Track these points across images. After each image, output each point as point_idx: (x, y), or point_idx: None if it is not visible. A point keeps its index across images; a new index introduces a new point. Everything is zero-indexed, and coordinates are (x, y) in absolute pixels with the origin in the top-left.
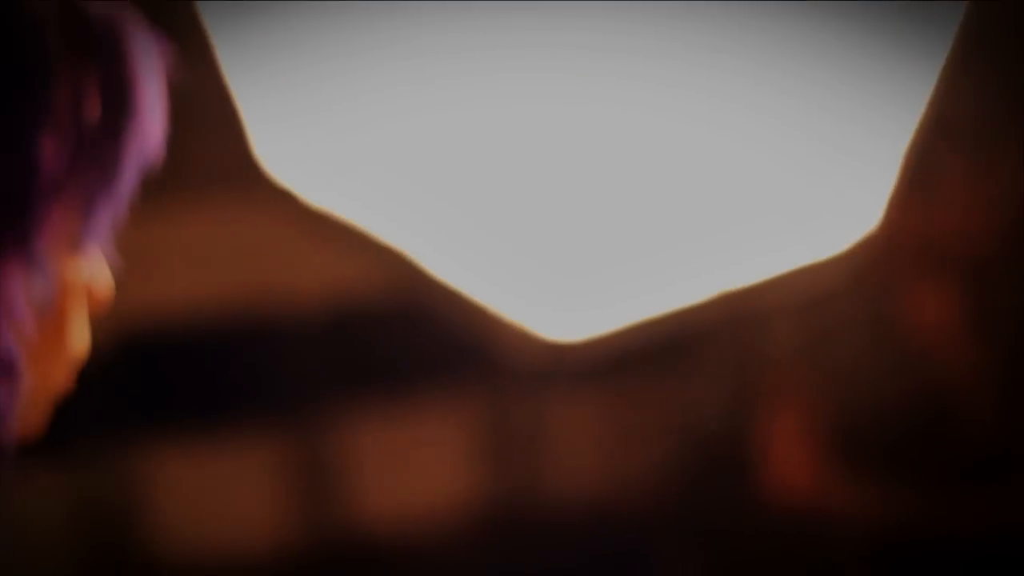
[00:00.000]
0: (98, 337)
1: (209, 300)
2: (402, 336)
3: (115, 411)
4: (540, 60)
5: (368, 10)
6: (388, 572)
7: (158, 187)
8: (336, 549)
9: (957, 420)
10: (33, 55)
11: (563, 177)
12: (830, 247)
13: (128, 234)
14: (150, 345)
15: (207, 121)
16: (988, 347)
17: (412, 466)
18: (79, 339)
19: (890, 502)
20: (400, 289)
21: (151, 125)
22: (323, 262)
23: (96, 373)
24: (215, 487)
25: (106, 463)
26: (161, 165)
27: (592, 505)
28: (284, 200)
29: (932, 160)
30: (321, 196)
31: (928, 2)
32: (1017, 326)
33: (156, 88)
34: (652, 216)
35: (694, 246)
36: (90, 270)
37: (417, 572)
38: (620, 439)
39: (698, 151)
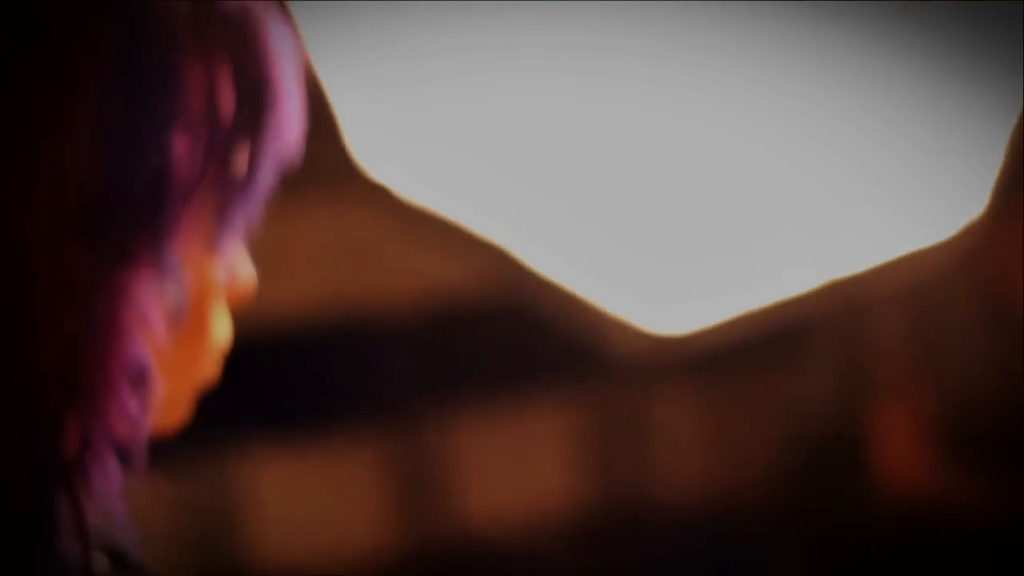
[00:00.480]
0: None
1: (306, 301)
2: (504, 334)
3: (217, 415)
4: (644, 55)
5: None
6: (491, 575)
7: None
8: (438, 553)
9: None
10: (164, 51)
11: (665, 167)
12: (937, 233)
13: None
14: (247, 348)
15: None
16: None
17: (515, 467)
18: (219, 339)
19: (1005, 493)
20: (501, 286)
21: (288, 121)
22: (422, 260)
23: None
24: (317, 490)
25: (208, 466)
26: (298, 162)
27: (699, 503)
28: (381, 197)
29: None
30: (419, 193)
31: None
32: None
33: (293, 83)
34: (756, 206)
35: (798, 235)
36: (228, 269)
37: (521, 574)
38: (727, 435)
39: (802, 141)
